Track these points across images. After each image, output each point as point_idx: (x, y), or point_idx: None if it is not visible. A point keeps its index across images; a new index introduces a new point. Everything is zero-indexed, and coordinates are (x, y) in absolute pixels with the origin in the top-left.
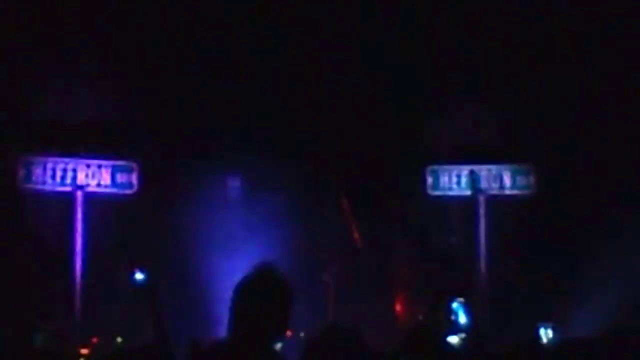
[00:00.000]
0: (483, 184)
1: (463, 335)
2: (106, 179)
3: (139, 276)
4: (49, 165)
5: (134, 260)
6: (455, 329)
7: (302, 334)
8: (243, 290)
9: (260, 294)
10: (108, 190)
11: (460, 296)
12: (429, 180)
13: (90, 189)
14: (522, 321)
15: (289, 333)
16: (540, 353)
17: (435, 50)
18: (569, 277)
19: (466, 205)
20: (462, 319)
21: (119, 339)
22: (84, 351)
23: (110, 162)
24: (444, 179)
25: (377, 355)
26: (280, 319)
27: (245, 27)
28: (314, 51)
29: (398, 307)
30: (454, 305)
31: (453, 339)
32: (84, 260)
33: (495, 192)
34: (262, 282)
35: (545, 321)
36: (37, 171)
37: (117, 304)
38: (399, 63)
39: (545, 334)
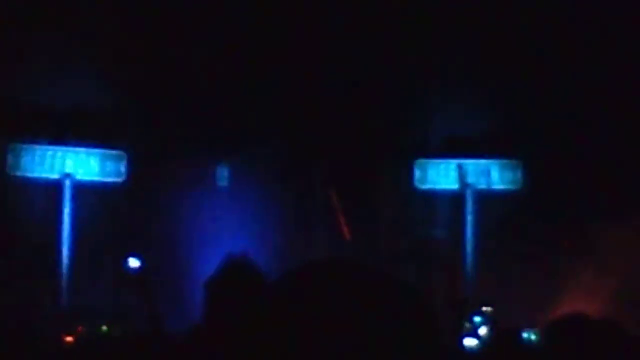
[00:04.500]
0: (471, 179)
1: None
2: (94, 167)
3: (133, 263)
4: (38, 153)
5: (127, 246)
6: (475, 334)
7: None
8: (217, 283)
9: (236, 286)
10: (96, 178)
11: (486, 306)
12: (417, 173)
13: (78, 176)
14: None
15: None
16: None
17: (425, 44)
18: (554, 273)
19: (454, 199)
20: (482, 330)
21: (104, 327)
22: (69, 339)
23: (99, 150)
24: (432, 173)
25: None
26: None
27: (235, 19)
28: (303, 47)
29: None
30: (477, 317)
31: (471, 342)
32: (71, 248)
33: (482, 186)
34: (236, 273)
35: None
36: (26, 159)
37: (103, 291)
38: (388, 57)
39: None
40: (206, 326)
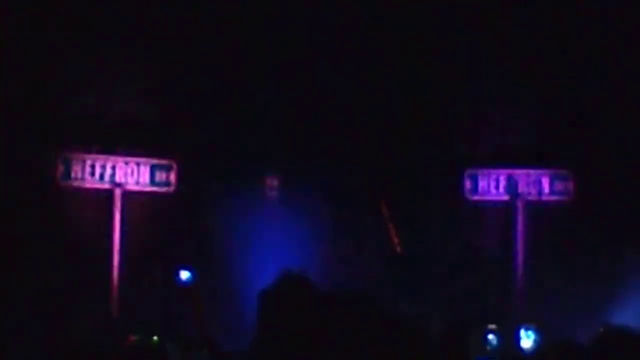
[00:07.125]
0: (521, 189)
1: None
2: (145, 176)
3: (184, 275)
4: (88, 162)
5: (178, 258)
6: (486, 353)
7: None
8: (272, 296)
9: (291, 301)
10: (146, 188)
11: (491, 324)
12: (467, 184)
13: (128, 186)
14: (559, 325)
15: None
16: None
17: (475, 55)
18: (606, 283)
19: (504, 210)
20: (493, 344)
21: (155, 338)
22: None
23: (149, 160)
24: (482, 184)
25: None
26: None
27: (289, 32)
28: (353, 60)
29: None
30: (489, 334)
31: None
32: (121, 258)
33: (533, 197)
34: (292, 289)
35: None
36: (76, 168)
37: (153, 302)
38: (438, 68)
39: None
40: (259, 338)
